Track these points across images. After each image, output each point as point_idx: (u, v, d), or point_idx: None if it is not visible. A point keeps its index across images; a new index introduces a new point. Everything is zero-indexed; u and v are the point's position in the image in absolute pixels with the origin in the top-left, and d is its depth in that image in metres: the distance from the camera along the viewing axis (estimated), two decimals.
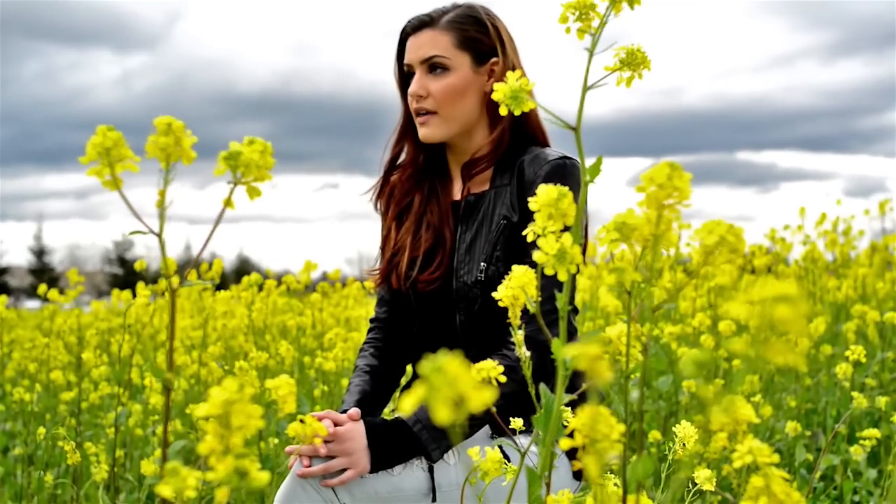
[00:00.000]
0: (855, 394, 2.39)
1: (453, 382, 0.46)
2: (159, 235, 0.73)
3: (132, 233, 0.75)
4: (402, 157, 1.86)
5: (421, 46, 1.73)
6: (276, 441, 2.84)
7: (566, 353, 0.62)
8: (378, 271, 1.85)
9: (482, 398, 0.45)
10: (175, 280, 0.78)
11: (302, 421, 0.78)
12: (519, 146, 1.74)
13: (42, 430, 2.76)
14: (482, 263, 1.66)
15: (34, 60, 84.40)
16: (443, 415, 0.46)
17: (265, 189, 0.75)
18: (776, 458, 0.56)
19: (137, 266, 2.69)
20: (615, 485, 0.99)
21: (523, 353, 0.90)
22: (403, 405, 0.51)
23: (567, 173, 1.62)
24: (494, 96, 0.77)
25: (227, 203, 0.73)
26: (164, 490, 0.63)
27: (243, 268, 40.47)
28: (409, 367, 1.95)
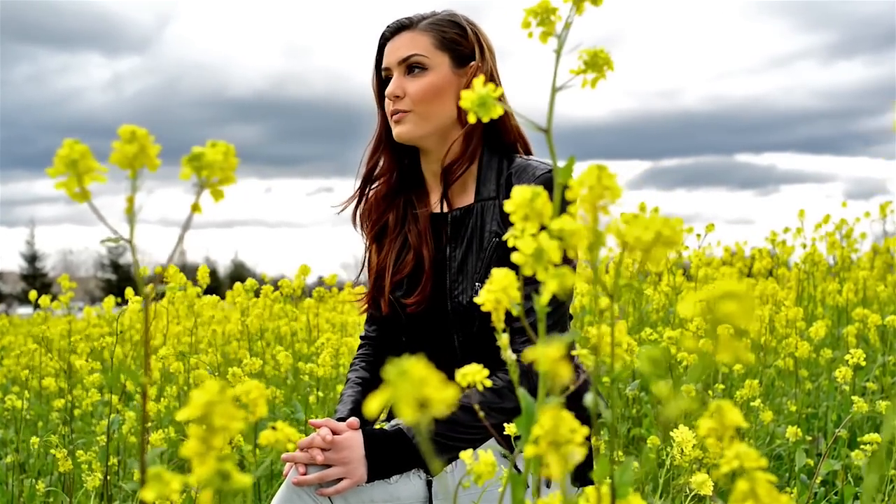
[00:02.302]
0: (856, 398, 2.36)
1: (417, 385, 0.45)
2: (130, 242, 0.74)
3: (103, 241, 0.77)
4: (379, 168, 1.81)
5: (399, 48, 1.70)
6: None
7: (533, 356, 0.61)
8: (364, 297, 1.83)
9: (445, 400, 0.44)
10: (150, 288, 0.78)
11: (274, 427, 0.76)
12: (501, 154, 1.70)
13: (34, 437, 2.74)
14: (476, 283, 1.63)
15: (24, 64, 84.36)
16: (407, 415, 0.45)
17: (227, 192, 0.75)
18: (764, 462, 0.53)
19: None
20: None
21: (509, 356, 0.88)
22: (368, 407, 0.50)
23: (557, 185, 1.59)
24: (461, 104, 0.76)
25: (195, 208, 0.73)
26: (147, 495, 0.62)
27: (238, 273, 40.43)
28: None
